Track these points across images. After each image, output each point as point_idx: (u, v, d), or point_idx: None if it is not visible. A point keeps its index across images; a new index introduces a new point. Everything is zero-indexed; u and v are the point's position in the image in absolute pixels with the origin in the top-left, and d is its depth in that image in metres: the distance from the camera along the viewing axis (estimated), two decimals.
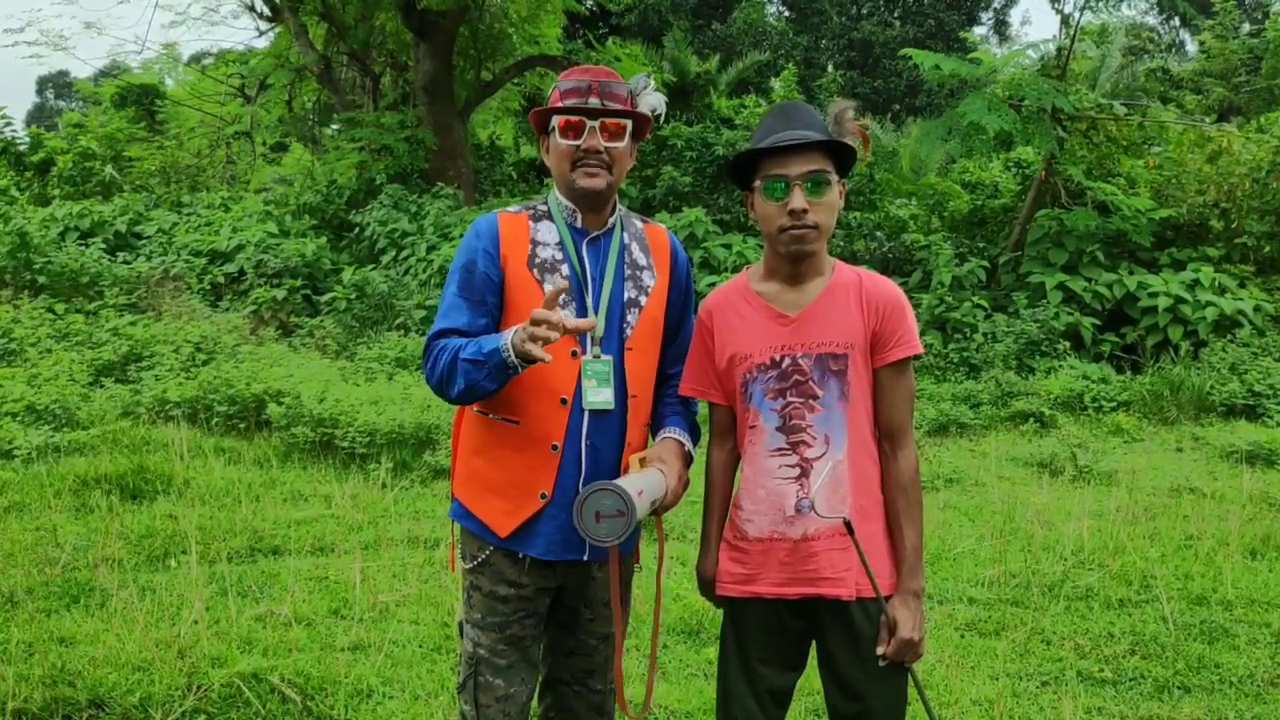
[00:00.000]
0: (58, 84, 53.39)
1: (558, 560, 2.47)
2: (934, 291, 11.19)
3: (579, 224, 2.52)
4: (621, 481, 2.19)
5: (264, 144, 20.71)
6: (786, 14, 31.44)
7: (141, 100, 20.89)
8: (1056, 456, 7.56)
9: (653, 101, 2.54)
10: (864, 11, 30.96)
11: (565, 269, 2.47)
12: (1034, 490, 6.84)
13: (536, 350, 2.15)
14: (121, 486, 6.17)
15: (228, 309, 11.24)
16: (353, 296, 11.16)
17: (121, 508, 5.92)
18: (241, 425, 7.56)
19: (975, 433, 8.76)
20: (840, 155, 2.35)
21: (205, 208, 14.74)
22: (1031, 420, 8.84)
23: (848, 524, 2.18)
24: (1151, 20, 32.59)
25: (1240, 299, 10.55)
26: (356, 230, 13.55)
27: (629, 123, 2.48)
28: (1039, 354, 10.38)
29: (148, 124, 20.03)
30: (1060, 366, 10.02)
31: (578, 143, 2.43)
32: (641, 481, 2.28)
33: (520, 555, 2.47)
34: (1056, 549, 5.51)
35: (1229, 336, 10.19)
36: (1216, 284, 10.77)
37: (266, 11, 17.97)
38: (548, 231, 2.51)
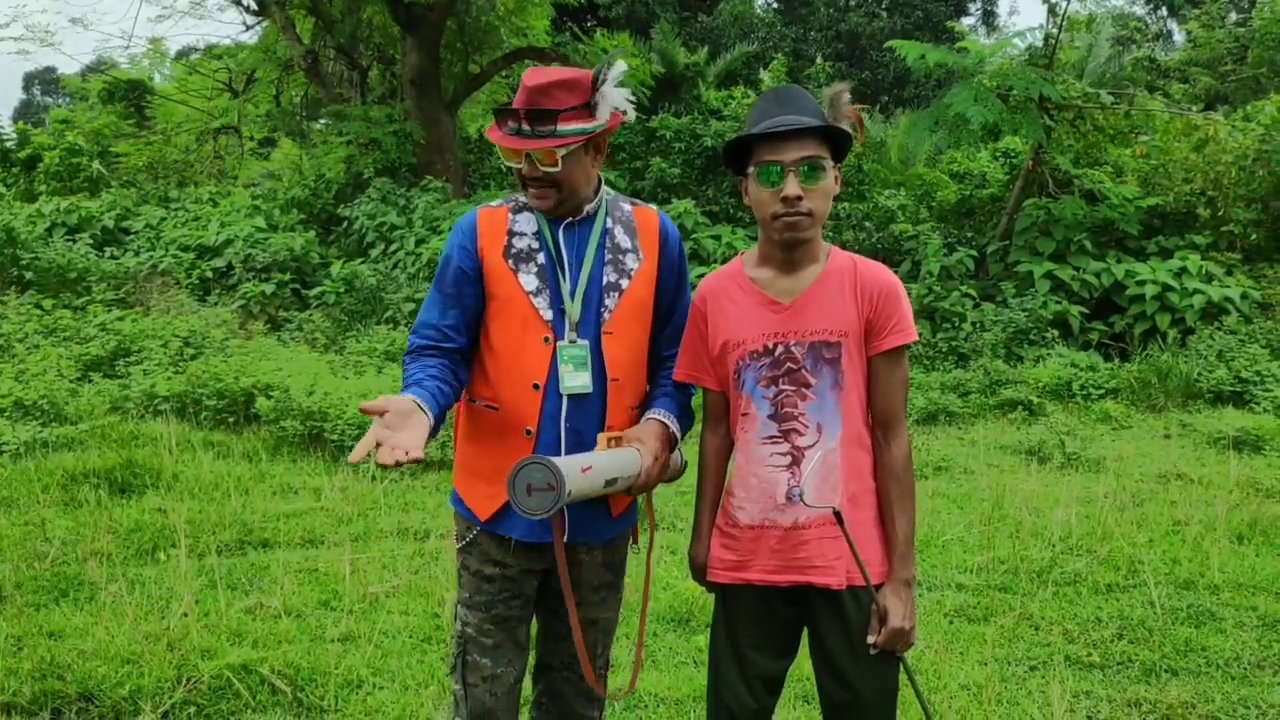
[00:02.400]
0: (44, 80, 53.09)
1: (540, 542, 2.48)
2: (922, 281, 11.22)
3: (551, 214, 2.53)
4: (560, 458, 2.19)
5: (251, 139, 20.63)
6: (774, 5, 31.42)
7: (129, 96, 20.80)
8: (1045, 444, 7.60)
9: (614, 100, 2.46)
10: (851, 3, 30.96)
11: (541, 258, 2.48)
12: (1022, 477, 6.87)
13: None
14: (110, 481, 6.15)
15: (216, 304, 11.20)
16: (341, 290, 11.15)
17: (110, 502, 5.90)
18: (230, 419, 7.54)
19: (964, 421, 8.79)
20: (836, 140, 2.34)
21: (193, 203, 14.68)
22: (1020, 408, 8.88)
23: (837, 513, 2.18)
24: (1139, 10, 32.65)
25: (1227, 286, 10.62)
26: (345, 224, 13.52)
27: (562, 147, 2.38)
28: (1027, 342, 10.43)
29: (136, 120, 19.94)
30: (1048, 355, 10.07)
31: (519, 167, 2.43)
32: (595, 459, 2.27)
33: (505, 536, 2.49)
34: (1045, 535, 5.53)
35: (1216, 324, 10.25)
36: (1204, 272, 10.83)
37: (253, 5, 17.89)
38: (526, 222, 2.52)
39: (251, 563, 5.11)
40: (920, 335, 10.43)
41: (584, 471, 2.18)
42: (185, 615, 4.34)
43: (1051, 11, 12.43)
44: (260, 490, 6.24)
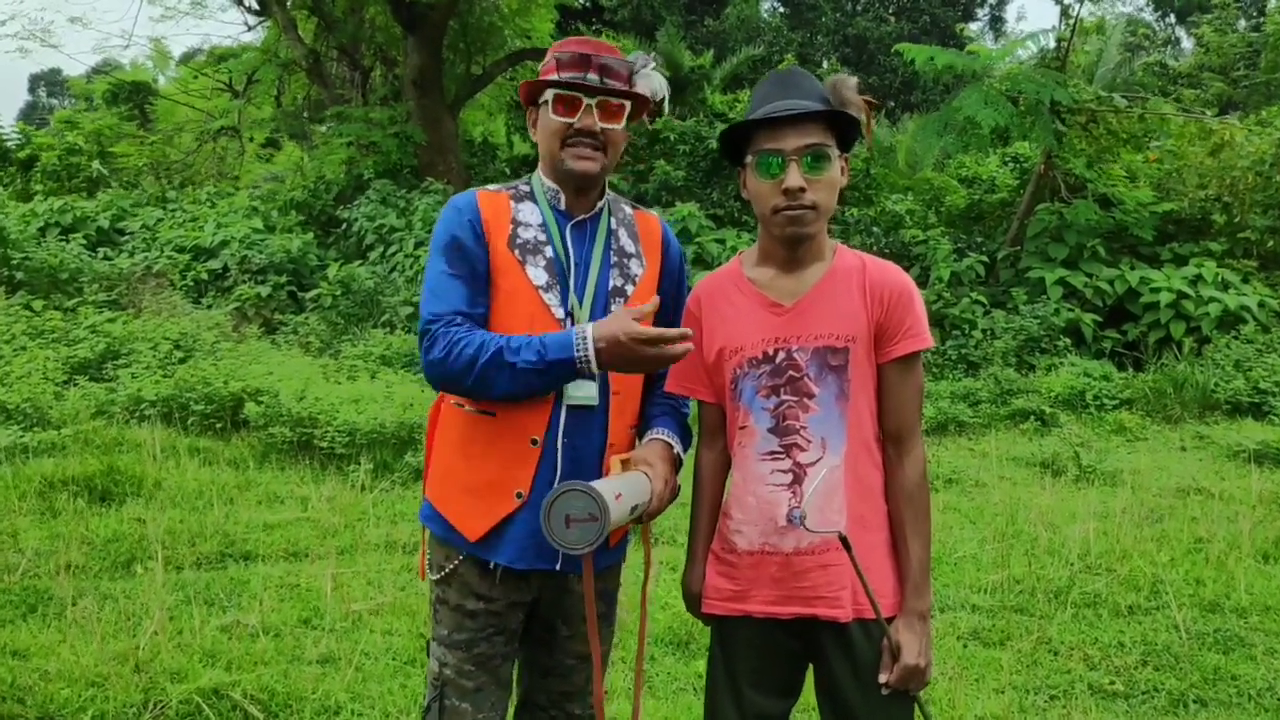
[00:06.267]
0: (50, 81, 53.13)
1: (529, 570, 2.24)
2: (932, 287, 10.98)
3: (563, 206, 2.31)
4: (597, 483, 1.97)
5: (250, 139, 20.48)
6: (780, 9, 31.23)
7: (133, 97, 20.69)
8: (1058, 456, 7.35)
9: (654, 84, 2.32)
10: (859, 7, 30.74)
11: (549, 251, 2.26)
12: (1036, 491, 6.63)
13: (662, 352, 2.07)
14: (90, 489, 5.93)
15: (210, 306, 10.99)
16: (338, 293, 10.92)
17: (89, 511, 5.69)
18: (218, 425, 7.30)
19: (974, 431, 8.54)
20: (842, 127, 2.12)
21: (190, 203, 14.48)
22: (1032, 419, 8.63)
23: (843, 539, 1.94)
24: (1147, 16, 32.46)
25: (1244, 294, 10.36)
26: (344, 226, 13.31)
27: (628, 104, 2.27)
28: (1039, 351, 10.18)
29: (140, 121, 19.81)
30: (1061, 364, 9.82)
31: (571, 120, 2.23)
32: (621, 484, 2.06)
33: (490, 565, 2.24)
34: (1061, 553, 5.29)
35: (1233, 333, 10.00)
36: (1219, 279, 10.58)
37: (255, 5, 17.74)
38: (530, 212, 2.30)
39: (231, 577, 4.88)
40: None
41: (617, 500, 1.96)
42: (156, 634, 4.12)
43: (1064, 13, 12.19)
44: (245, 500, 6.02)
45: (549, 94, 2.24)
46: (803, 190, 2.03)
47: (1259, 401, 8.88)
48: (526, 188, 2.34)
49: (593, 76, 2.22)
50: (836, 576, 2.07)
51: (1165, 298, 10.38)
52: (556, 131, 2.24)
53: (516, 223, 2.27)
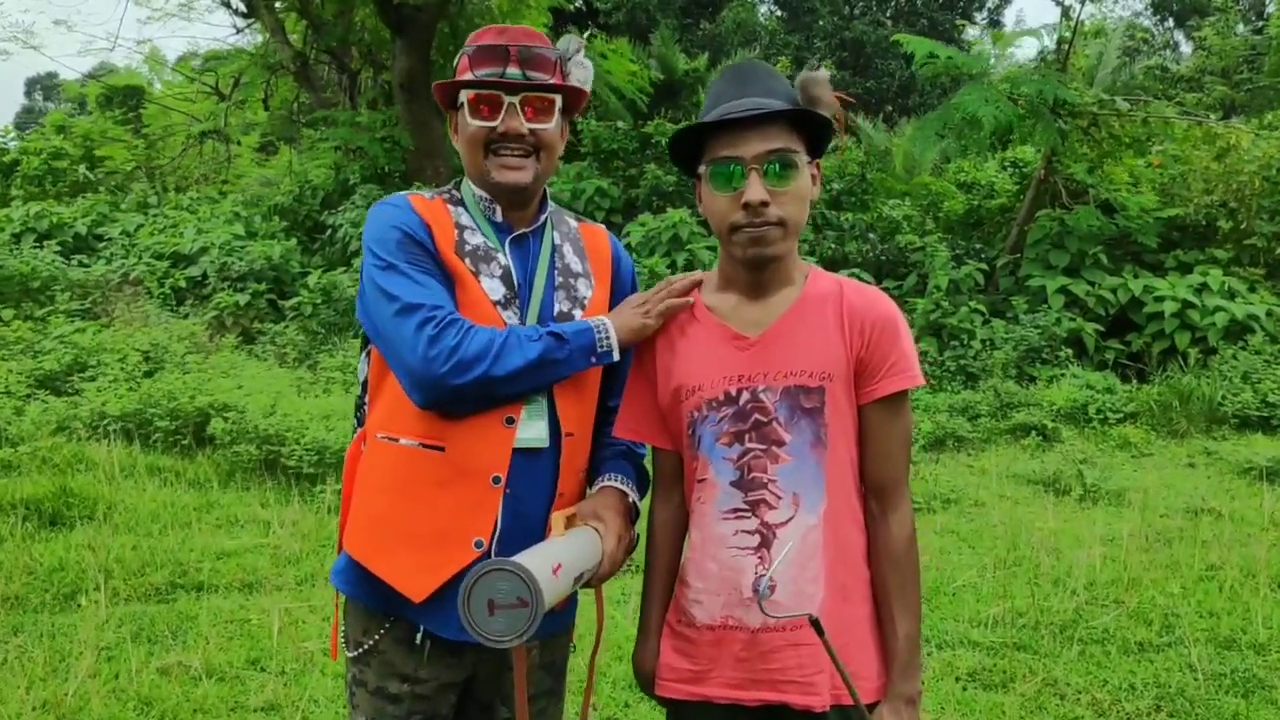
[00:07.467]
0: (46, 85, 52.77)
1: (458, 641, 1.88)
2: (930, 295, 10.64)
3: (499, 218, 2.00)
4: (528, 556, 1.64)
5: (238, 143, 20.19)
6: (777, 13, 30.93)
7: (126, 101, 20.42)
8: (1061, 474, 7.04)
9: (583, 73, 2.03)
10: (856, 11, 30.43)
11: (502, 259, 1.95)
12: (1038, 512, 6.31)
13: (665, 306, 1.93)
14: (39, 512, 5.61)
15: (187, 315, 10.67)
16: (319, 301, 10.59)
17: (36, 536, 5.38)
18: (183, 442, 6.96)
19: (974, 447, 8.22)
20: (812, 129, 1.81)
21: (173, 209, 14.16)
22: (1033, 433, 8.30)
23: (814, 622, 1.61)
24: (1145, 20, 32.20)
25: (1251, 303, 10.03)
26: (329, 232, 12.99)
27: (558, 98, 1.96)
28: (1040, 362, 9.86)
29: (134, 125, 19.53)
30: (1062, 375, 9.48)
31: (493, 124, 1.92)
32: (563, 549, 1.75)
33: (417, 640, 1.91)
34: (1066, 583, 4.98)
35: (1240, 343, 9.66)
36: (1226, 288, 10.25)
37: (242, 8, 17.48)
38: (470, 219, 2.00)
39: (179, 611, 4.57)
40: (927, 353, 9.87)
41: (555, 573, 1.65)
42: (91, 677, 3.81)
43: (1065, 14, 11.89)
44: (204, 524, 5.70)
45: (464, 95, 1.94)
46: (765, 204, 1.72)
47: (1268, 415, 8.56)
48: (459, 194, 2.04)
49: (514, 71, 1.93)
50: (810, 657, 1.76)
51: (1170, 307, 10.06)
52: (477, 138, 1.94)
53: (460, 227, 1.97)
